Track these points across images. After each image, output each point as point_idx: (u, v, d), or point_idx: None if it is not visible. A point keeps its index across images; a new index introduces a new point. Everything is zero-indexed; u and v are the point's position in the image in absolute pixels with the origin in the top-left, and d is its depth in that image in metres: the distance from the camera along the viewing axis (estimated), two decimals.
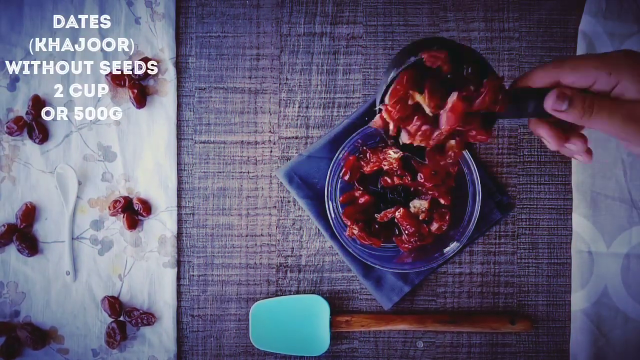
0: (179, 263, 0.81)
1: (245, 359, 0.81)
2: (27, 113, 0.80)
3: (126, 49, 0.81)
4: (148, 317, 0.79)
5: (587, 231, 0.79)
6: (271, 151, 0.81)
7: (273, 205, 0.81)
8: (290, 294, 0.81)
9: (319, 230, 0.80)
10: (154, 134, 0.81)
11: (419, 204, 0.75)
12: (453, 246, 0.75)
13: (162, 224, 0.80)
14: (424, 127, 0.55)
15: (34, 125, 0.80)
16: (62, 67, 0.81)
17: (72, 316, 0.80)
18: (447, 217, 0.75)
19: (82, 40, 0.81)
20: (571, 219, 0.80)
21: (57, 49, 0.81)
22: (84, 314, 0.80)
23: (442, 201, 0.75)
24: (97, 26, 0.81)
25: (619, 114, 0.53)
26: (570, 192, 0.80)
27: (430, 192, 0.75)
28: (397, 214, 0.75)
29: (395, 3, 0.81)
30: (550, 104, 0.54)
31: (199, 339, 0.81)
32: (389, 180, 0.76)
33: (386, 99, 0.54)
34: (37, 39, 0.81)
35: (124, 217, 0.79)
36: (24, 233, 0.80)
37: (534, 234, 0.80)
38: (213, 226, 0.81)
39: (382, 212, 0.75)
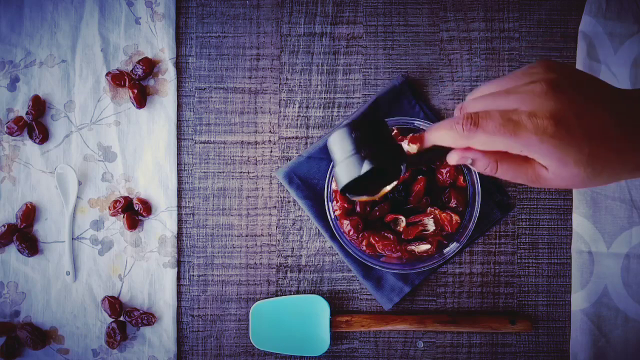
0: (179, 263, 0.81)
1: (245, 359, 0.81)
2: (27, 113, 0.80)
3: (126, 49, 0.81)
4: (148, 317, 0.79)
5: (587, 231, 0.79)
6: (271, 151, 0.81)
7: (273, 205, 0.81)
8: (290, 294, 0.81)
9: (319, 230, 0.80)
10: (154, 134, 0.81)
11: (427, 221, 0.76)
12: (453, 246, 0.75)
13: (162, 224, 0.80)
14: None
15: (34, 126, 0.80)
16: (62, 67, 0.81)
17: (72, 316, 0.81)
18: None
19: (82, 40, 0.81)
20: (571, 219, 0.80)
21: (57, 49, 0.81)
22: (84, 314, 0.81)
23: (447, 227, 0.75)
24: (97, 26, 0.81)
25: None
26: (570, 192, 0.80)
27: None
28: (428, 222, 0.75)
29: (395, 3, 0.81)
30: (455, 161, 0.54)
31: (199, 339, 0.81)
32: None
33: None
34: (37, 39, 0.81)
35: (124, 217, 0.79)
36: (24, 233, 0.80)
37: (534, 234, 0.80)
38: (213, 226, 0.81)
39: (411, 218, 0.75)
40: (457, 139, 0.51)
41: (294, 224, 0.81)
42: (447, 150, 0.54)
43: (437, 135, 0.53)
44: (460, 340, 0.80)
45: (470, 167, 0.53)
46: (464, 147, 0.52)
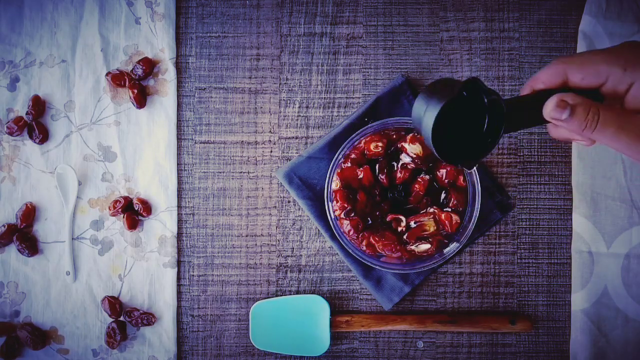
0: (179, 263, 0.81)
1: (245, 359, 0.81)
2: (27, 113, 0.80)
3: (126, 49, 0.81)
4: (148, 317, 0.79)
5: (587, 231, 0.79)
6: (271, 151, 0.81)
7: (273, 205, 0.81)
8: (290, 294, 0.81)
9: (319, 230, 0.80)
10: (154, 134, 0.81)
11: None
12: (453, 246, 0.75)
13: (162, 224, 0.80)
14: None
15: (34, 126, 0.80)
16: (62, 67, 0.81)
17: (72, 316, 0.81)
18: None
19: (82, 40, 0.81)
20: (571, 219, 0.80)
21: (57, 49, 0.81)
22: (84, 314, 0.81)
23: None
24: (97, 26, 0.81)
25: (628, 130, 0.49)
26: (570, 192, 0.80)
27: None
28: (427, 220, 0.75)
29: (395, 3, 0.81)
30: (548, 112, 0.51)
31: (199, 339, 0.81)
32: (399, 175, 0.75)
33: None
34: (37, 39, 0.81)
35: (124, 217, 0.79)
36: (24, 233, 0.80)
37: (534, 234, 0.80)
38: (213, 226, 0.81)
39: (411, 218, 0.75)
40: (579, 135, 0.51)
41: (294, 224, 0.81)
42: (543, 103, 0.52)
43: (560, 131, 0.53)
44: (460, 340, 0.80)
45: (563, 123, 0.51)
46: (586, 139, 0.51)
